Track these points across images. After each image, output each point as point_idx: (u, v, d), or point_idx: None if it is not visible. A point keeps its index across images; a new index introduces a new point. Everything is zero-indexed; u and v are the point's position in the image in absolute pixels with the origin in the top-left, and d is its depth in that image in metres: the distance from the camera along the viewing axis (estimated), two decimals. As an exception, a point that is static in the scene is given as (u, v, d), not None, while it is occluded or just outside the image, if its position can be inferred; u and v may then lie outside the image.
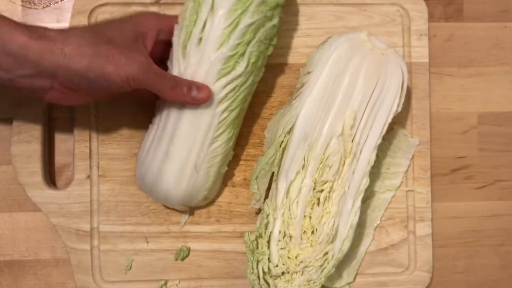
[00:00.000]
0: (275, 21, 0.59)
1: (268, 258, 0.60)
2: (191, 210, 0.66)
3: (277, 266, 0.60)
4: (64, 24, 0.66)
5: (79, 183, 0.65)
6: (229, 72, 0.58)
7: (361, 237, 0.67)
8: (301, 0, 0.68)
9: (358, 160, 0.61)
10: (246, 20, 0.57)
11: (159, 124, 0.60)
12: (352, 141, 0.61)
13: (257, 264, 0.59)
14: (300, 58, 0.68)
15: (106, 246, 0.65)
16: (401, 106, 0.62)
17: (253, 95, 0.67)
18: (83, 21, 0.64)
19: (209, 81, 0.58)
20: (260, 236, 0.60)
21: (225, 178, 0.66)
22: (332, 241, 0.60)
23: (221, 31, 0.57)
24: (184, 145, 0.58)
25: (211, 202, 0.66)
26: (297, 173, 0.60)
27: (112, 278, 0.65)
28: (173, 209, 0.65)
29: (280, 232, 0.60)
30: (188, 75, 0.58)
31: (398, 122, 0.68)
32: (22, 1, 0.67)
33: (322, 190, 0.60)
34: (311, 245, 0.60)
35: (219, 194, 0.67)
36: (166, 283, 0.65)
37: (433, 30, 0.71)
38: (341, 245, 0.60)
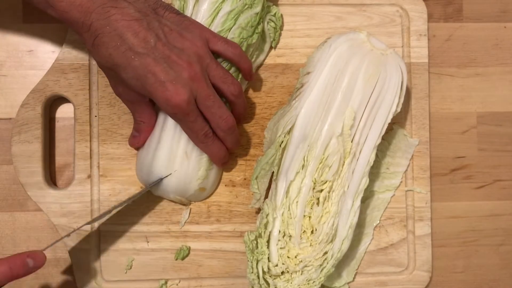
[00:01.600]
0: (256, 9, 0.61)
1: (268, 258, 0.60)
2: (191, 210, 0.66)
3: (276, 265, 0.60)
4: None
5: (79, 183, 0.65)
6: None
7: (361, 237, 0.67)
8: (301, 0, 0.68)
9: (357, 160, 0.61)
10: (225, 7, 0.60)
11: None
12: (351, 141, 0.61)
13: (257, 264, 0.59)
14: (300, 58, 0.68)
15: (106, 245, 0.65)
16: (400, 106, 0.62)
17: (252, 94, 0.67)
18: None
19: None
20: (260, 235, 0.60)
21: (225, 178, 0.67)
22: (331, 241, 0.60)
23: (205, 21, 0.60)
24: (173, 132, 0.60)
25: (211, 201, 0.66)
26: (297, 173, 0.60)
27: (113, 278, 0.65)
28: (172, 201, 0.65)
29: (279, 231, 0.60)
30: None
31: (397, 122, 0.68)
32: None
33: (321, 190, 0.61)
34: (310, 245, 0.60)
35: (219, 194, 0.67)
36: (166, 283, 0.65)
37: (432, 31, 0.71)
38: (341, 245, 0.60)
